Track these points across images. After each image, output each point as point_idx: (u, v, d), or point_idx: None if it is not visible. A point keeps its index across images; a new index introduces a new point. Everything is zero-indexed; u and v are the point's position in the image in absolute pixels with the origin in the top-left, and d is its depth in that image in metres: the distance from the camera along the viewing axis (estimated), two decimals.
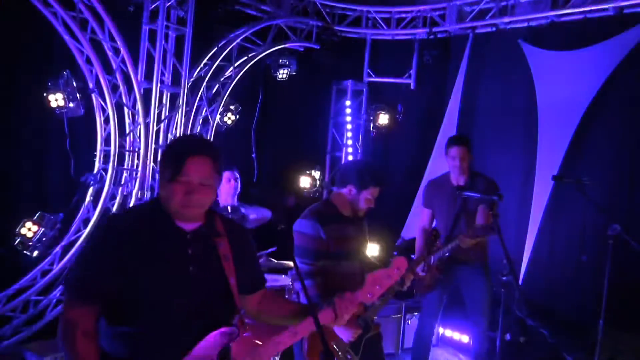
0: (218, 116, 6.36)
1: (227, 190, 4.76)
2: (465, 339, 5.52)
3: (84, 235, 5.17)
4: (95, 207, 5.28)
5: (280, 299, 2.37)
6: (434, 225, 4.50)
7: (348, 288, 3.25)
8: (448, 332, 5.75)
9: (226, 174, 4.78)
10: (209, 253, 2.02)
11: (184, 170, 1.92)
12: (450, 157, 4.24)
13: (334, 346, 3.18)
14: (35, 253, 4.89)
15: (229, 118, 6.45)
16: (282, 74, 6.69)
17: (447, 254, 4.04)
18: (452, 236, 4.13)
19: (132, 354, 1.93)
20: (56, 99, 5.02)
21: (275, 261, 4.80)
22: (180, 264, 1.97)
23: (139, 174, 5.50)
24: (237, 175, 4.78)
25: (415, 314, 5.39)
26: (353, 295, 2.18)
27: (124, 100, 5.54)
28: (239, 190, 4.80)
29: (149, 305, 1.91)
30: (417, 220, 4.61)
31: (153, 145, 5.62)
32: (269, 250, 4.77)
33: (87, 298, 1.93)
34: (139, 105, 5.47)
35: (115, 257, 1.89)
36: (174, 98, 5.83)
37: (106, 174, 5.33)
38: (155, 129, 5.61)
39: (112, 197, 5.38)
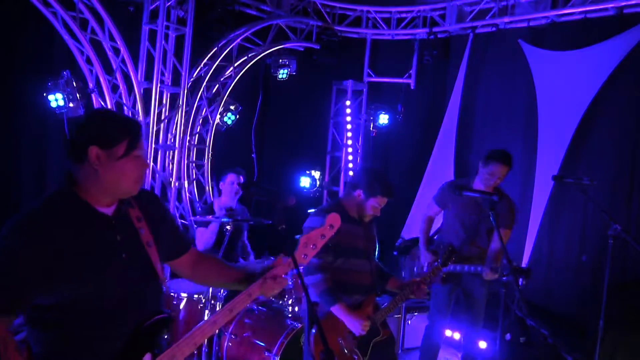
0: (218, 116, 6.37)
1: (230, 192, 4.83)
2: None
3: None
4: None
5: (218, 264, 2.28)
6: (440, 225, 4.49)
7: (358, 284, 3.31)
8: (448, 332, 5.74)
9: (231, 177, 4.84)
10: (135, 237, 1.90)
11: (139, 143, 1.85)
12: (489, 171, 4.09)
13: (341, 343, 3.19)
14: None
15: (229, 118, 6.46)
16: (282, 74, 6.70)
17: (458, 270, 4.05)
18: (471, 254, 4.14)
19: (62, 356, 1.77)
20: (56, 99, 5.02)
21: None
22: (113, 252, 1.83)
23: None
24: (242, 180, 4.83)
25: (415, 313, 5.39)
26: (287, 258, 2.13)
27: (124, 100, 5.54)
28: (240, 193, 4.84)
29: (85, 302, 1.75)
30: (425, 209, 4.52)
31: (153, 145, 5.62)
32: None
33: (11, 309, 1.70)
34: (139, 105, 5.47)
35: (42, 260, 1.69)
36: (174, 98, 5.83)
37: None
38: (155, 129, 5.61)
39: None
